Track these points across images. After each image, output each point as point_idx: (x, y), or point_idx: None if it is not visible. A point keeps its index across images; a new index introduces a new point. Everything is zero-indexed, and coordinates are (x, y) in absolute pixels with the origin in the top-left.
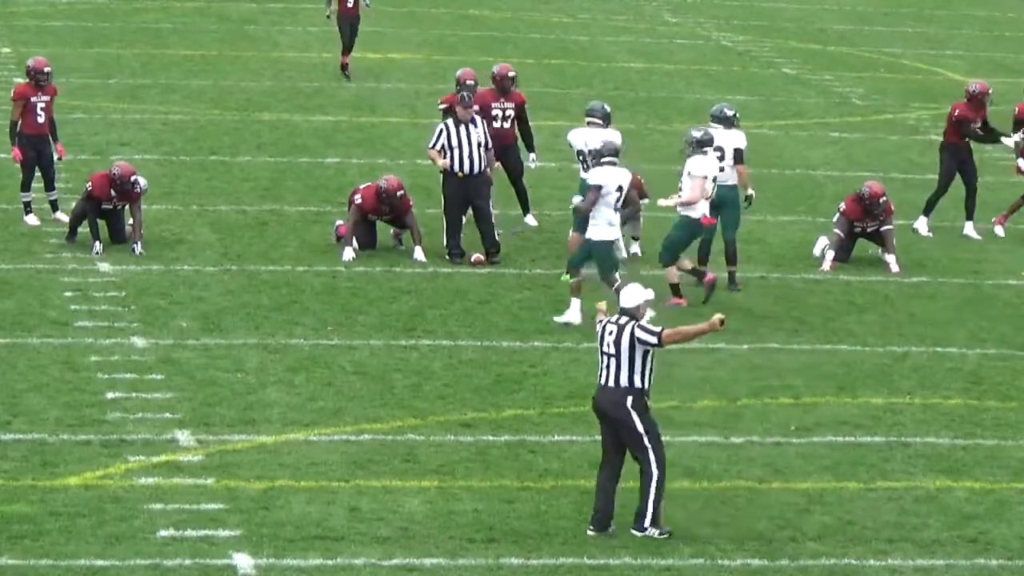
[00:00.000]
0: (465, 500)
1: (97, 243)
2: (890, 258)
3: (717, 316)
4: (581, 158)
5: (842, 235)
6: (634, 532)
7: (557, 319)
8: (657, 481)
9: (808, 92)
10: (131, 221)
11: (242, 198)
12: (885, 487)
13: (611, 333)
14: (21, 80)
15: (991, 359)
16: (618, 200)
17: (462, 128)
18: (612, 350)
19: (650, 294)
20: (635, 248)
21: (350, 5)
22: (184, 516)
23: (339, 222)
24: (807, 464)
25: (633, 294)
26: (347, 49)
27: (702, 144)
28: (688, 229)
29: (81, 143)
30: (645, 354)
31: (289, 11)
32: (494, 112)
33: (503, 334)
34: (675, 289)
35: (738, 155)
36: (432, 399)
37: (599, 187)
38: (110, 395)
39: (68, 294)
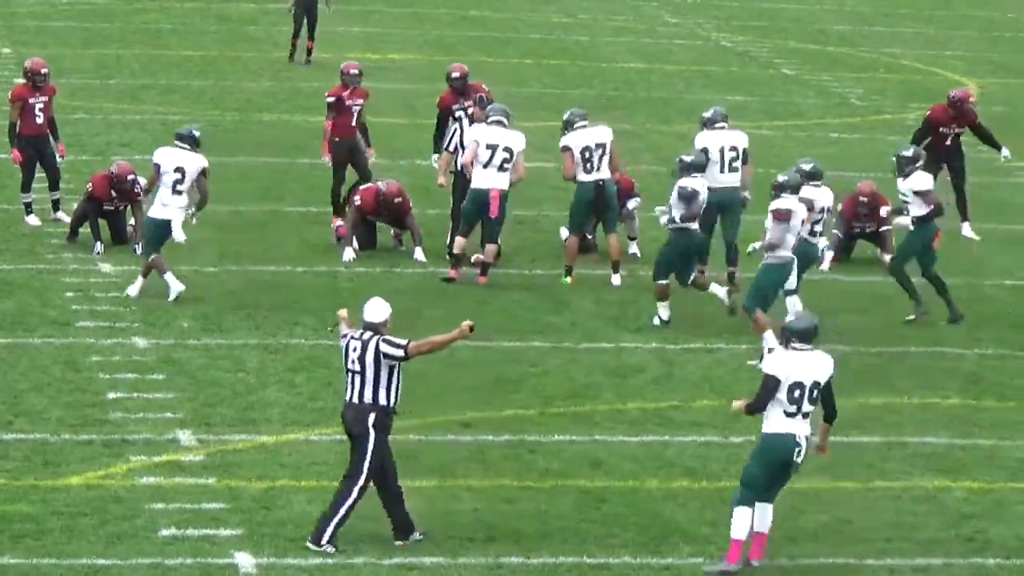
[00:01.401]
0: (465, 500)
1: (98, 244)
2: (887, 258)
3: (467, 323)
4: (587, 155)
5: (840, 235)
6: (310, 545)
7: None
8: (350, 505)
9: (807, 92)
10: (132, 222)
11: (242, 198)
12: (883, 487)
13: (355, 349)
14: (21, 81)
15: (989, 359)
16: (178, 182)
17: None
18: (357, 367)
19: (389, 309)
20: (633, 248)
21: None
22: (186, 515)
23: (339, 223)
24: (805, 463)
25: (377, 309)
26: (309, 35)
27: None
28: (472, 200)
29: (82, 144)
30: (391, 369)
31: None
32: (456, 113)
33: (502, 334)
34: (456, 261)
35: (746, 155)
36: (431, 400)
37: (157, 166)
38: (111, 395)
39: (69, 294)
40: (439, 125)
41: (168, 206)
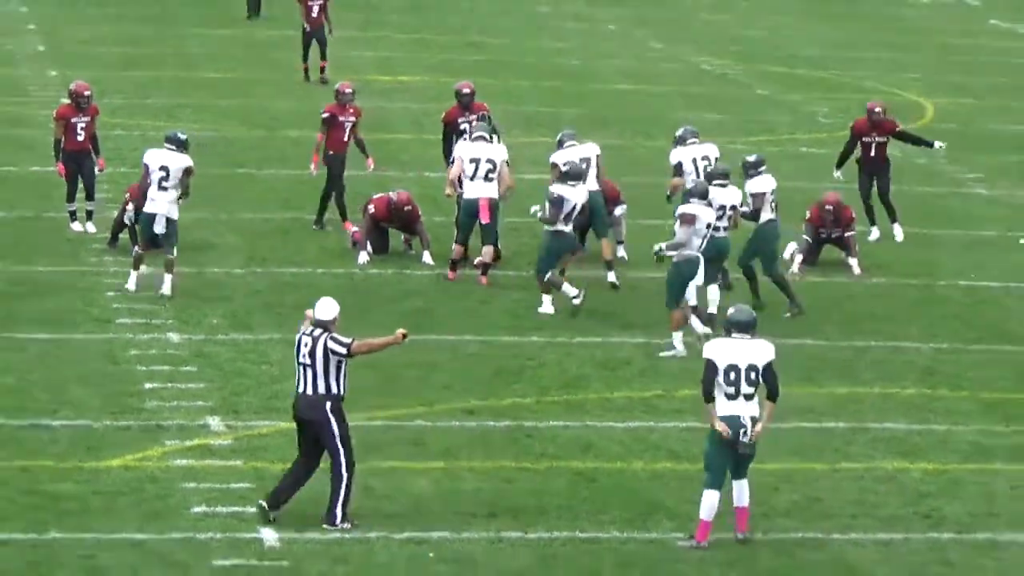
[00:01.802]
0: (468, 480)
1: (136, 248)
2: (852, 261)
3: (400, 331)
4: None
5: (809, 240)
6: (327, 527)
7: None
8: (346, 483)
9: (779, 111)
10: None
11: (266, 207)
12: (848, 468)
13: (307, 345)
14: (67, 101)
15: (943, 353)
16: (163, 179)
17: None
18: (308, 360)
19: (337, 308)
20: (620, 251)
21: (315, 16)
22: (215, 494)
23: (354, 229)
24: (777, 447)
25: (327, 308)
26: (321, 56)
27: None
28: (464, 211)
29: (122, 157)
30: (339, 363)
31: None
32: (461, 126)
33: (503, 330)
34: (453, 264)
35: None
36: (438, 389)
37: (146, 165)
38: (148, 385)
39: (110, 294)
40: (446, 139)
41: (155, 200)
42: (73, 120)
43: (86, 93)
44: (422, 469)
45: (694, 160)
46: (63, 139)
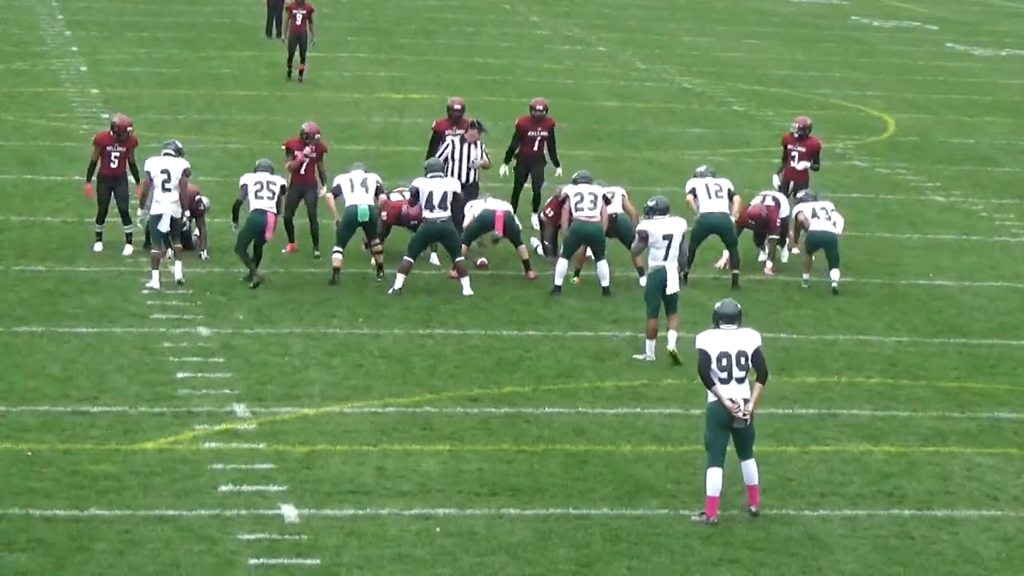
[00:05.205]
0: (472, 461)
1: (169, 250)
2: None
3: None
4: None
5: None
6: None
7: None
8: None
9: (754, 126)
10: (197, 233)
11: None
12: (817, 450)
13: None
14: (107, 116)
15: (905, 345)
16: (166, 182)
17: (465, 146)
18: None
19: None
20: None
21: (298, 23)
22: (240, 474)
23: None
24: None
25: None
26: (301, 59)
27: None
28: (480, 220)
29: None
30: None
31: (326, 60)
32: (448, 138)
33: (503, 324)
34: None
35: (731, 193)
36: (445, 378)
37: (148, 172)
38: (180, 375)
39: (145, 292)
40: (432, 145)
41: (160, 203)
42: (108, 148)
43: (128, 129)
44: (430, 451)
45: (706, 186)
46: (99, 163)
